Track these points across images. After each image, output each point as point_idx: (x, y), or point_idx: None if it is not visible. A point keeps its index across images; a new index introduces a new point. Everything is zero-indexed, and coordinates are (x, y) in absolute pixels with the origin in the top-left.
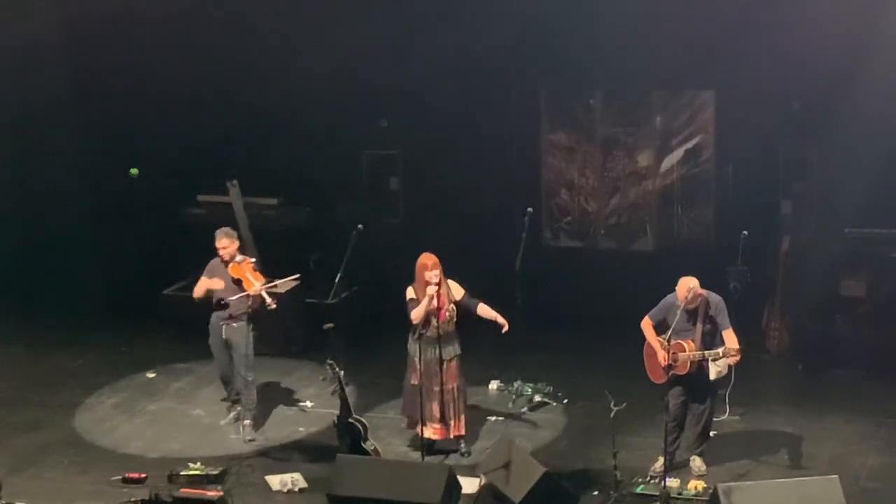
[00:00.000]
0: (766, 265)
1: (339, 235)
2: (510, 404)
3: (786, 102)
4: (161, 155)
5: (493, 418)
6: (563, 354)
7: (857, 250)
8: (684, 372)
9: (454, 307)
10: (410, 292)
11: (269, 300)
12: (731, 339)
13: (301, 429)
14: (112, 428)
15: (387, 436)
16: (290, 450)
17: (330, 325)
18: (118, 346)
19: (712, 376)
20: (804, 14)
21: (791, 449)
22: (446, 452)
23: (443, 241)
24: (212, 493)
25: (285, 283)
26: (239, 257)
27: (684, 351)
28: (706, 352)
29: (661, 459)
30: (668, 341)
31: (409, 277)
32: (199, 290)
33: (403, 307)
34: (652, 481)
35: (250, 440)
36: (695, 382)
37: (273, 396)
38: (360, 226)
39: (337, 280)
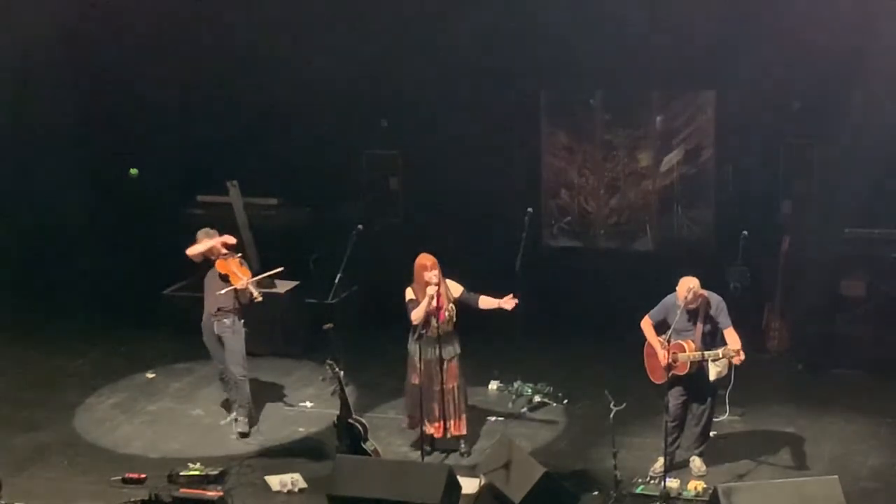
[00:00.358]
0: (766, 265)
1: (339, 235)
2: (510, 404)
3: (786, 102)
4: (161, 155)
5: (493, 418)
6: (563, 354)
7: (857, 250)
8: (684, 372)
9: (453, 307)
10: (409, 293)
11: (255, 293)
12: (733, 338)
13: (301, 429)
14: (112, 428)
15: (387, 436)
16: (290, 450)
17: (330, 325)
18: (118, 346)
19: (712, 377)
20: (804, 14)
21: (791, 449)
22: (446, 452)
23: (443, 241)
24: (212, 494)
25: (270, 275)
26: (227, 252)
27: (684, 351)
28: (706, 352)
29: (661, 459)
30: (669, 341)
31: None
32: (195, 250)
33: (403, 307)
34: (652, 481)
35: (242, 434)
36: (695, 382)
37: (273, 396)
38: (360, 226)
39: (337, 280)
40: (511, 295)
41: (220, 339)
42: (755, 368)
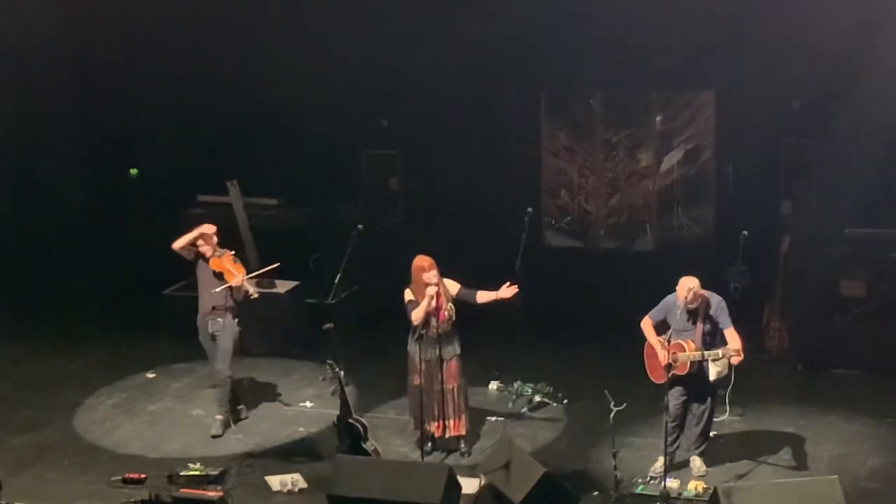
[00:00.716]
0: (766, 265)
1: (339, 235)
2: (510, 404)
3: (786, 102)
4: (161, 155)
5: (493, 418)
6: (563, 354)
7: (857, 250)
8: (684, 372)
9: (452, 306)
10: (408, 294)
11: (251, 290)
12: (733, 338)
13: (301, 429)
14: (112, 428)
15: (387, 436)
16: (290, 450)
17: (330, 325)
18: (118, 346)
19: (712, 377)
20: (804, 14)
21: (791, 449)
22: (446, 452)
23: (443, 241)
24: (212, 494)
25: (265, 272)
26: (219, 251)
27: (684, 351)
28: (706, 352)
29: (661, 459)
30: (669, 341)
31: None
32: (180, 242)
33: (403, 308)
34: (652, 481)
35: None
36: (695, 382)
37: (273, 396)
38: (360, 226)
39: (337, 280)
40: (508, 283)
41: (213, 337)
42: (755, 368)
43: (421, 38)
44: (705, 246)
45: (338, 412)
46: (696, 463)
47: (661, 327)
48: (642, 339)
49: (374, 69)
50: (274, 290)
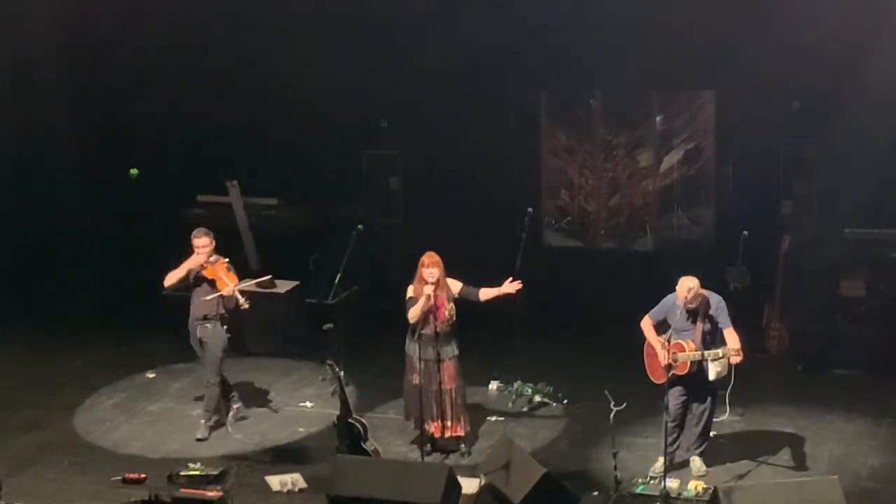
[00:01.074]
0: (766, 265)
1: (339, 235)
2: (510, 404)
3: (786, 102)
4: (161, 155)
5: (494, 418)
6: (563, 354)
7: (857, 250)
8: (684, 372)
9: (453, 307)
10: (410, 291)
11: (241, 300)
12: (732, 338)
13: (301, 429)
14: (112, 428)
15: (387, 436)
16: (290, 450)
17: (330, 325)
18: (118, 346)
19: (711, 377)
20: (804, 14)
21: (791, 449)
22: (446, 452)
23: (443, 241)
24: (212, 494)
25: (257, 283)
26: (213, 258)
27: (684, 351)
28: (706, 352)
29: (661, 459)
30: (669, 341)
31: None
32: (168, 279)
33: (403, 307)
34: (652, 481)
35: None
36: (695, 382)
37: (273, 396)
38: (360, 226)
39: (337, 280)
40: (511, 279)
41: (200, 343)
42: (755, 368)
43: (421, 38)
44: (705, 246)
45: (338, 412)
46: (696, 463)
47: (661, 327)
48: (642, 339)
49: (374, 69)
50: (274, 290)
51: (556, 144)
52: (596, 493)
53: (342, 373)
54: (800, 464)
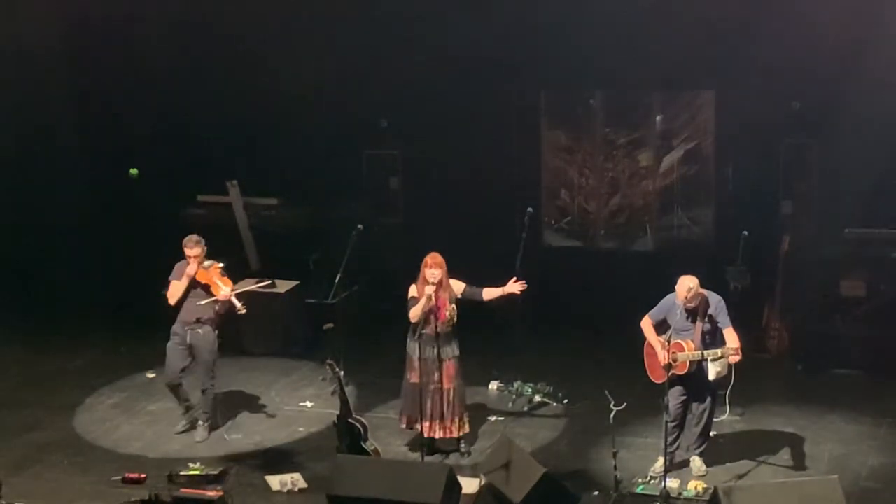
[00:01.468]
0: (766, 265)
1: (339, 235)
2: (510, 404)
3: (786, 102)
4: (161, 155)
5: (494, 418)
6: (563, 354)
7: (857, 250)
8: (683, 371)
9: (455, 307)
10: (412, 290)
11: (238, 305)
12: (731, 337)
13: (301, 429)
14: (112, 428)
15: (387, 436)
16: (290, 450)
17: (330, 325)
18: (118, 346)
19: (711, 376)
20: (804, 14)
21: (791, 449)
22: (446, 452)
23: (443, 241)
24: (212, 493)
25: (256, 287)
26: (206, 262)
27: (683, 351)
28: (705, 351)
29: (661, 459)
30: (668, 341)
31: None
32: (173, 296)
33: (403, 307)
34: (652, 481)
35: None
36: (695, 382)
37: (273, 396)
38: (360, 226)
39: (337, 280)
40: (514, 279)
41: (190, 348)
42: (755, 368)
43: (421, 38)
44: (705, 246)
45: (338, 412)
46: (696, 463)
47: (661, 327)
48: (642, 338)
49: (374, 69)
50: (274, 290)
51: (556, 144)
52: (596, 493)
53: (342, 373)
54: (800, 464)
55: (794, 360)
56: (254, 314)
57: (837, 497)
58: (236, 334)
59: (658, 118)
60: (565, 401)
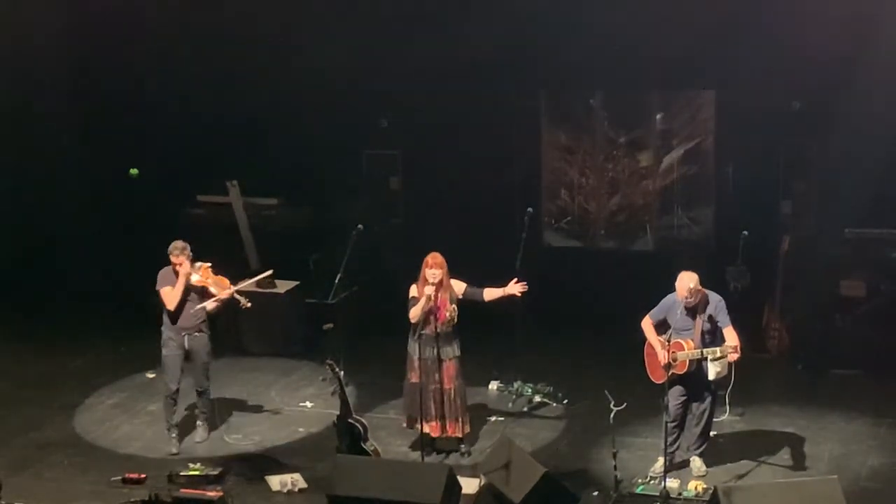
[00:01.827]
0: (766, 265)
1: (339, 235)
2: (510, 404)
3: (786, 102)
4: (161, 155)
5: (494, 418)
6: (563, 354)
7: (857, 250)
8: (683, 371)
9: (455, 307)
10: (413, 290)
11: (242, 300)
12: (731, 336)
13: (301, 429)
14: (112, 428)
15: (387, 436)
16: (290, 450)
17: (330, 325)
18: (118, 346)
19: (711, 376)
20: (804, 14)
21: (791, 449)
22: (446, 452)
23: (443, 241)
24: (212, 493)
25: (257, 281)
26: (196, 265)
27: (683, 350)
28: (705, 349)
29: (661, 459)
30: (669, 341)
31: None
32: (173, 301)
33: (403, 307)
34: (652, 481)
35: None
36: (695, 382)
37: (273, 396)
38: (360, 226)
39: (337, 280)
40: (515, 280)
41: (188, 353)
42: (755, 368)
43: (421, 38)
44: (705, 246)
45: (338, 412)
46: (696, 463)
47: (662, 327)
48: (642, 338)
49: (374, 69)
50: (274, 290)
51: (556, 144)
52: (596, 493)
53: (342, 373)
54: (800, 464)
55: (794, 360)
56: (254, 314)
57: (837, 497)
58: (236, 334)
59: (658, 118)
60: (565, 401)
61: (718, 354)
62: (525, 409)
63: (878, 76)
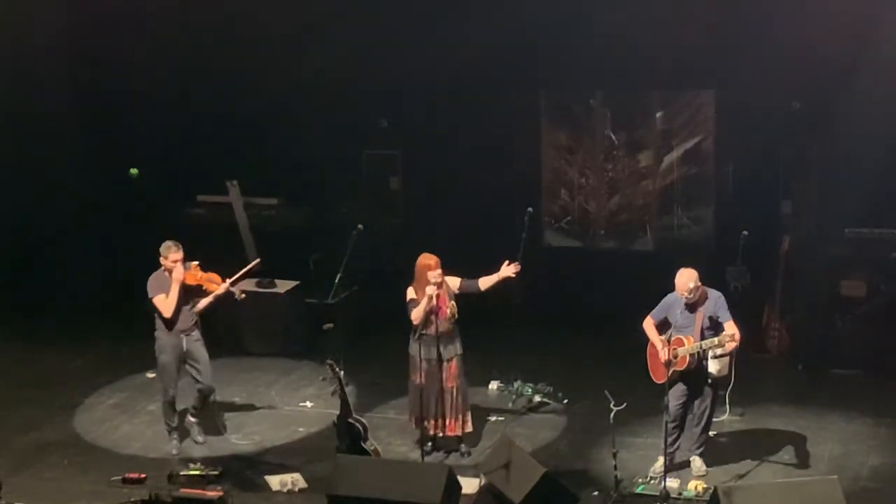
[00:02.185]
0: (766, 265)
1: (339, 235)
2: (510, 404)
3: (786, 102)
4: (161, 155)
5: (494, 418)
6: (563, 354)
7: (857, 250)
8: (684, 367)
9: (454, 304)
10: (410, 292)
11: (237, 292)
12: (731, 328)
13: (301, 429)
14: (112, 428)
15: (387, 436)
16: (290, 450)
17: (330, 325)
18: (118, 346)
19: (711, 370)
20: (804, 14)
21: (791, 449)
22: (446, 452)
23: (443, 240)
24: (212, 493)
25: (246, 271)
26: (185, 265)
27: (683, 346)
28: (703, 342)
29: (661, 459)
30: (669, 340)
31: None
32: (170, 308)
33: (403, 307)
34: (652, 481)
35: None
36: (695, 382)
37: (273, 396)
38: (360, 226)
39: (337, 280)
40: (507, 262)
41: (186, 355)
42: (755, 368)
43: (421, 38)
44: (705, 246)
45: (338, 412)
46: (696, 463)
47: (663, 327)
48: (642, 338)
49: (374, 69)
50: (274, 290)
51: (556, 144)
52: (596, 493)
53: (342, 373)
54: (800, 464)
55: (794, 360)
56: (254, 314)
57: (837, 497)
58: (236, 334)
59: (658, 118)
60: (565, 401)
61: (717, 343)
62: (525, 409)
63: (878, 76)
